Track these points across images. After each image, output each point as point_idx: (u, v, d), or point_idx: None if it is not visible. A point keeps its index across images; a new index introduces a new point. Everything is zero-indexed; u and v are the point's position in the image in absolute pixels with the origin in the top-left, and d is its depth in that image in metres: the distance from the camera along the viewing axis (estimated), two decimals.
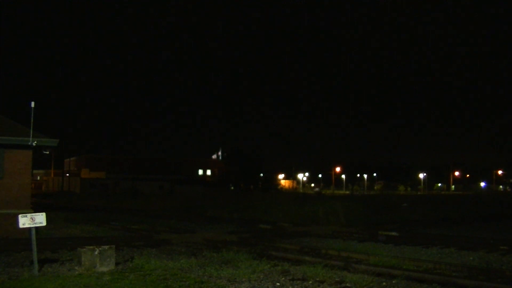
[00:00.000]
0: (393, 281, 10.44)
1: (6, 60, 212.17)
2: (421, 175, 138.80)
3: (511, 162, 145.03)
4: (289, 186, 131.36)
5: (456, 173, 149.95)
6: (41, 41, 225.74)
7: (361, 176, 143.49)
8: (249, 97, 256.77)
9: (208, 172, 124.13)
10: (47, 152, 20.72)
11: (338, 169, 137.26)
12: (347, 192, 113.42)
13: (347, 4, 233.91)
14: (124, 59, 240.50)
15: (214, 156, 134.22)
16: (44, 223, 11.49)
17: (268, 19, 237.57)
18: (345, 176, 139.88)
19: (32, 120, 17.91)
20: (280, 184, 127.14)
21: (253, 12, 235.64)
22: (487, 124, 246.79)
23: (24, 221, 11.19)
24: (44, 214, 11.52)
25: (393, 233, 20.00)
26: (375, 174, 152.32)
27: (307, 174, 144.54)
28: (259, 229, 23.40)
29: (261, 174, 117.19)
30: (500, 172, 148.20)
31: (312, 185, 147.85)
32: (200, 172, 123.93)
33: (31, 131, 18.37)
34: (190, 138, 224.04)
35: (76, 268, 11.66)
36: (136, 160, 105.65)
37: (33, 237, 11.20)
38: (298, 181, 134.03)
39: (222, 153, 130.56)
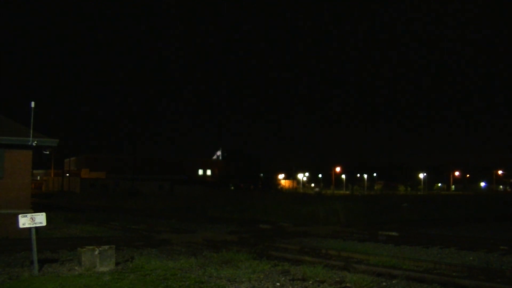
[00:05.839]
0: (393, 281, 10.44)
1: (6, 60, 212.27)
2: (421, 175, 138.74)
3: (511, 162, 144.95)
4: (289, 186, 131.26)
5: (456, 173, 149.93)
6: (41, 42, 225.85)
7: (361, 176, 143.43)
8: (249, 97, 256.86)
9: (208, 172, 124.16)
10: (47, 152, 20.72)
11: (338, 169, 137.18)
12: (347, 192, 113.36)
13: (347, 3, 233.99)
14: (124, 59, 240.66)
15: (214, 156, 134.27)
16: (44, 223, 11.49)
17: (268, 19, 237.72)
18: (345, 176, 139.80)
19: (32, 120, 17.92)
20: (280, 184, 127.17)
21: (253, 12, 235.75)
22: (487, 124, 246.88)
23: (24, 221, 11.19)
24: (44, 214, 11.52)
25: (393, 233, 20.00)
26: (375, 174, 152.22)
27: (307, 174, 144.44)
28: (259, 229, 23.39)
29: (261, 174, 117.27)
30: (500, 172, 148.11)
31: (312, 185, 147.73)
32: (200, 172, 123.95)
33: (31, 131, 18.38)
34: (190, 138, 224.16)
35: (76, 268, 11.66)
36: (136, 160, 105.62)
37: (33, 237, 11.20)
38: (298, 181, 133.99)
39: (222, 153, 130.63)
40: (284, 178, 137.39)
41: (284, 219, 28.98)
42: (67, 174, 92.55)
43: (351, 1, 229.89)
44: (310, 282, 10.39)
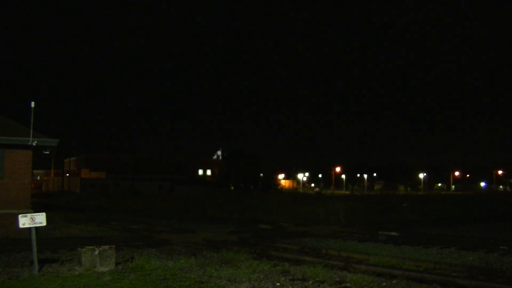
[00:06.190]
0: (393, 281, 10.44)
1: (6, 60, 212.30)
2: (421, 175, 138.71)
3: (511, 162, 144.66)
4: (289, 186, 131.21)
5: (456, 173, 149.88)
6: (41, 41, 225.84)
7: (361, 176, 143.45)
8: (249, 97, 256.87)
9: (208, 172, 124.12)
10: (47, 152, 20.74)
11: (338, 169, 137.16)
12: (347, 192, 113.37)
13: (348, 3, 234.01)
14: (124, 59, 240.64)
15: (214, 156, 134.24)
16: (44, 223, 11.49)
17: (268, 19, 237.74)
18: (345, 176, 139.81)
19: (32, 120, 17.92)
20: (280, 184, 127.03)
21: (253, 11, 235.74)
22: (487, 124, 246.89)
23: (24, 221, 11.19)
24: (44, 214, 11.52)
25: (393, 233, 20.01)
26: (375, 174, 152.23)
27: (307, 174, 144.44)
28: (259, 229, 23.41)
29: (261, 174, 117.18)
30: (500, 172, 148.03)
31: (312, 185, 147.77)
32: (200, 172, 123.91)
33: (31, 131, 18.38)
34: (190, 138, 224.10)
35: (76, 268, 11.66)
36: (136, 160, 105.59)
37: (33, 237, 11.20)
38: (298, 181, 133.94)
39: (222, 153, 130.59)
40: (284, 178, 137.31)
41: (284, 219, 28.99)
42: (67, 174, 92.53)
43: (351, 0, 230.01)
44: (310, 282, 10.39)
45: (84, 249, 11.59)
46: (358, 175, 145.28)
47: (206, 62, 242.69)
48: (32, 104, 17.70)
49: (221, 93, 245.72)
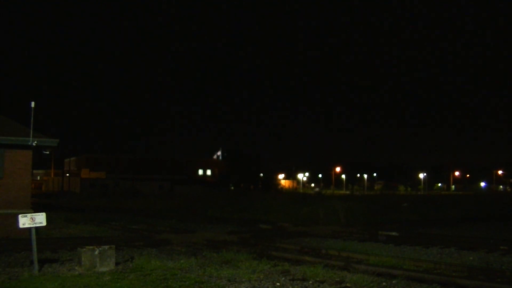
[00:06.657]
0: (393, 281, 10.43)
1: (6, 60, 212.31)
2: (421, 175, 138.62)
3: (511, 162, 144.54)
4: (289, 186, 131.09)
5: (456, 173, 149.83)
6: (41, 41, 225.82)
7: (361, 176, 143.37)
8: (249, 97, 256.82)
9: (208, 172, 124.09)
10: (47, 152, 20.74)
11: (338, 169, 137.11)
12: (347, 192, 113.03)
13: (348, 3, 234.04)
14: (124, 59, 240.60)
15: (214, 156, 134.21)
16: (44, 223, 11.49)
17: (267, 19, 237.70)
18: (345, 176, 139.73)
19: (32, 120, 17.92)
20: (280, 184, 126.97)
21: (253, 12, 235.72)
22: (487, 124, 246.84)
23: (24, 221, 11.19)
24: (44, 214, 11.53)
25: (393, 233, 20.01)
26: (375, 174, 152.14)
27: (307, 174, 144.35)
28: (259, 229, 23.41)
29: (261, 174, 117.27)
30: (500, 172, 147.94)
31: (312, 185, 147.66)
32: (200, 172, 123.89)
33: (31, 131, 18.39)
34: (190, 138, 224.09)
35: (76, 268, 11.66)
36: (136, 160, 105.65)
37: (33, 237, 11.21)
38: (298, 181, 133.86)
39: (222, 153, 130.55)
40: (284, 178, 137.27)
41: (284, 219, 28.97)
42: (67, 174, 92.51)
43: (351, 1, 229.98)
44: (310, 282, 10.39)
45: (84, 249, 11.59)
46: (358, 175, 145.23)
47: (206, 62, 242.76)
48: (32, 104, 17.71)
49: (221, 93, 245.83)
